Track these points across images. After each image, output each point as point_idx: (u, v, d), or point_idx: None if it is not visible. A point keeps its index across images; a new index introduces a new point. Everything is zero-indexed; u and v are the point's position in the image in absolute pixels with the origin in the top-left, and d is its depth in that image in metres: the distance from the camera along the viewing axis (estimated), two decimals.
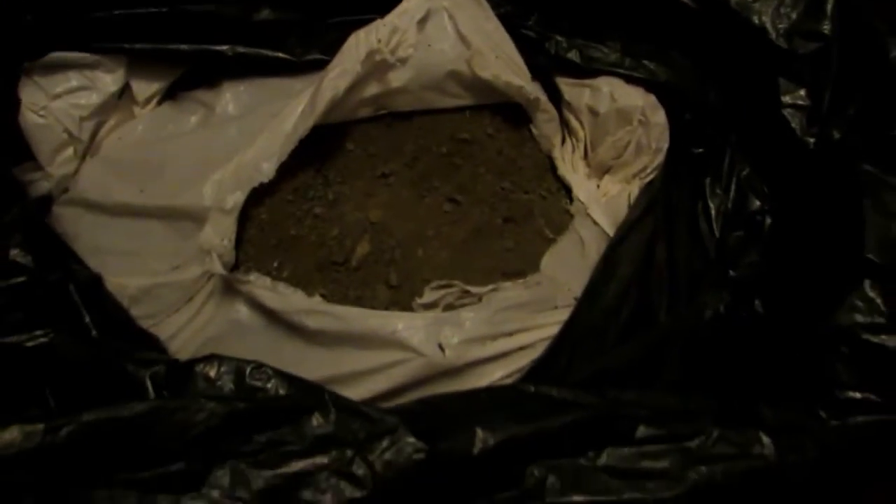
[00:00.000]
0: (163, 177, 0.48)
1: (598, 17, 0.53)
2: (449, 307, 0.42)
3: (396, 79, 0.46)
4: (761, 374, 0.43)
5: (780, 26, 0.49)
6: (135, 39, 0.49)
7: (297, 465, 0.33)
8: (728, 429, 0.35)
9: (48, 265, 0.43)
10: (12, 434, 0.29)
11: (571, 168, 0.52)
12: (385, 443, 0.33)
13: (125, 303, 0.46)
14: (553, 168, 0.52)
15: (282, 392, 0.38)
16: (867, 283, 0.39)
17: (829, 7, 0.47)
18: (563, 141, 0.54)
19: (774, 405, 0.38)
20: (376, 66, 0.45)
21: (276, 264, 0.45)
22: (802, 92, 0.48)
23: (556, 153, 0.52)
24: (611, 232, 0.48)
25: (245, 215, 0.46)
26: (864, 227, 0.41)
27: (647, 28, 0.53)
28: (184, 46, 0.49)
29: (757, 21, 0.49)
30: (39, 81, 0.48)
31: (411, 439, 0.33)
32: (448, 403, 0.37)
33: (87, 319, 0.42)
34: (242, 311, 0.44)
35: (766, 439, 0.35)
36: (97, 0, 0.47)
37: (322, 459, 0.33)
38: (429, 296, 0.42)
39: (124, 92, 0.51)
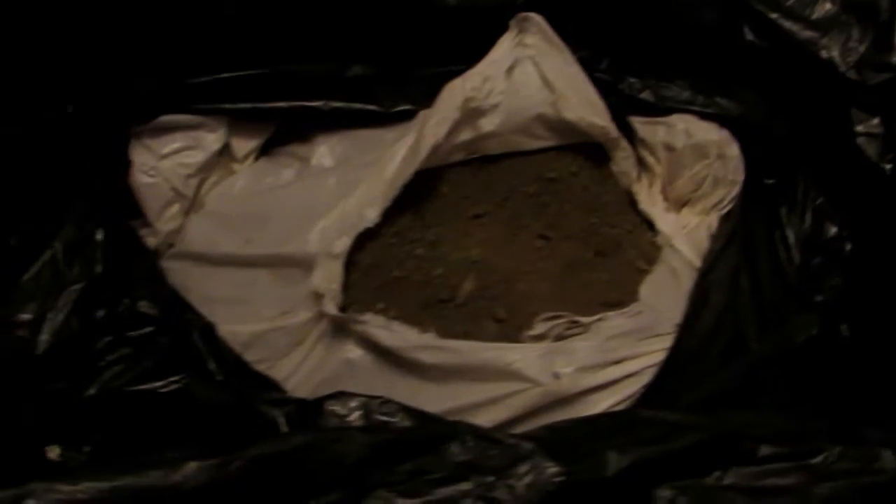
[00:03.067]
0: (267, 227, 0.50)
1: (667, 58, 0.55)
2: (559, 338, 0.44)
3: (488, 124, 0.49)
4: (856, 396, 0.44)
5: (849, 59, 0.51)
6: (235, 100, 0.52)
7: (442, 493, 0.34)
8: (848, 445, 0.36)
9: (170, 315, 0.46)
10: (189, 469, 0.31)
11: (651, 202, 0.54)
12: (524, 467, 0.34)
13: (238, 349, 0.48)
14: (633, 203, 0.54)
15: (408, 425, 0.39)
16: None
17: None
18: (639, 177, 0.56)
19: (876, 425, 0.39)
20: (470, 113, 0.48)
21: (381, 306, 0.47)
22: (876, 121, 0.50)
23: (636, 188, 0.54)
24: (696, 262, 0.50)
25: (348, 261, 0.48)
26: None
27: (715, 66, 0.55)
28: (281, 104, 0.52)
29: (826, 55, 0.51)
30: (148, 143, 0.51)
31: (550, 463, 0.34)
32: (572, 429, 0.38)
33: (212, 365, 0.44)
34: (354, 351, 0.46)
35: (886, 454, 0.36)
36: (202, 64, 0.50)
37: (465, 486, 0.34)
38: (539, 327, 0.43)
39: (225, 149, 0.54)
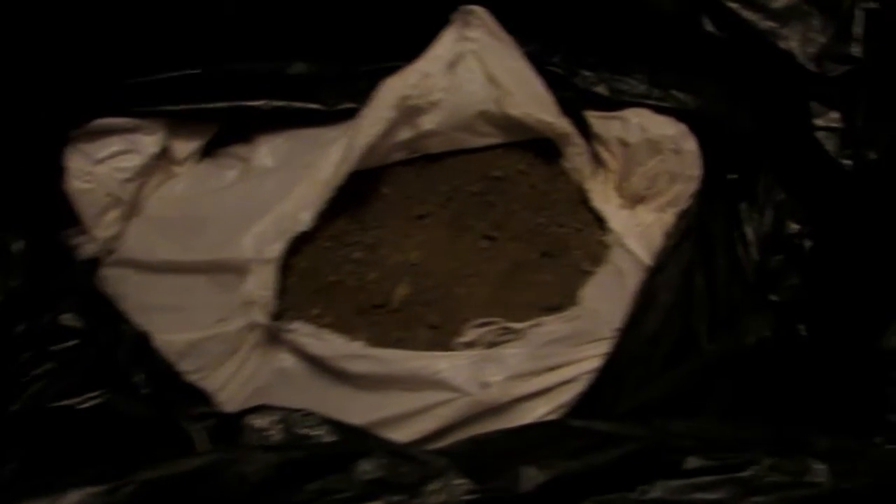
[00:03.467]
0: (204, 232, 0.49)
1: (623, 50, 0.54)
2: (491, 344, 0.42)
3: (428, 122, 0.47)
4: (809, 400, 0.43)
5: (809, 50, 0.49)
6: (173, 101, 0.50)
7: None
8: (780, 457, 0.35)
9: (98, 327, 0.45)
10: (73, 497, 0.30)
11: (605, 199, 0.52)
12: (436, 485, 0.33)
13: (173, 358, 0.47)
14: (586, 200, 0.52)
15: (330, 438, 0.38)
16: None
17: (858, 30, 0.47)
18: (594, 174, 0.54)
19: (826, 431, 0.37)
20: (408, 111, 0.46)
21: (317, 311, 0.46)
22: (835, 115, 0.48)
23: (589, 185, 0.52)
24: (648, 261, 0.48)
25: (285, 265, 0.47)
26: None
27: (673, 58, 0.53)
28: (221, 104, 0.51)
29: (784, 46, 0.49)
30: (83, 148, 0.50)
31: (461, 480, 0.33)
32: (495, 442, 0.37)
33: (136, 378, 0.43)
34: (287, 359, 0.45)
35: (819, 466, 0.34)
36: (137, 65, 0.49)
37: None
38: (470, 334, 0.42)
39: (164, 152, 0.52)
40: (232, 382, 0.46)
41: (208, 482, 0.32)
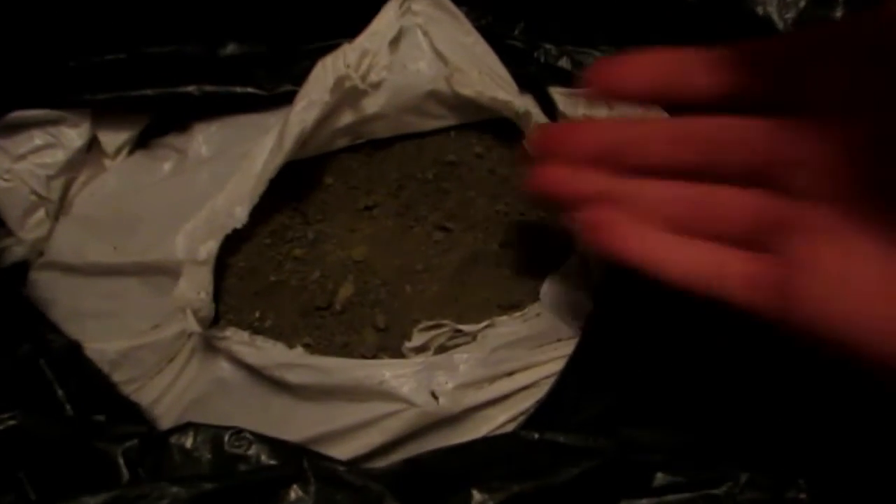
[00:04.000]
0: (136, 231, 0.45)
1: (588, 21, 0.49)
2: (441, 349, 0.39)
3: (371, 105, 0.43)
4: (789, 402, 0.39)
5: (788, 16, 0.45)
6: (96, 90, 0.46)
7: None
8: (758, 471, 0.31)
9: (18, 338, 0.41)
10: None
11: None
12: None
13: (106, 368, 0.43)
14: None
15: (264, 458, 0.35)
16: None
17: None
18: None
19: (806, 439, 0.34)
20: (347, 94, 0.42)
21: (257, 314, 0.42)
22: None
23: None
24: None
25: (222, 264, 0.43)
26: None
27: (641, 28, 0.49)
28: (148, 91, 0.46)
29: (761, 11, 0.45)
30: (1, 143, 0.46)
31: None
32: (441, 461, 0.33)
33: (61, 394, 0.40)
34: (226, 368, 0.41)
35: (801, 481, 0.31)
36: (51, 54, 0.45)
37: None
38: (417, 338, 0.38)
39: (92, 145, 0.48)
40: (168, 394, 0.42)
41: None
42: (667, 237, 0.30)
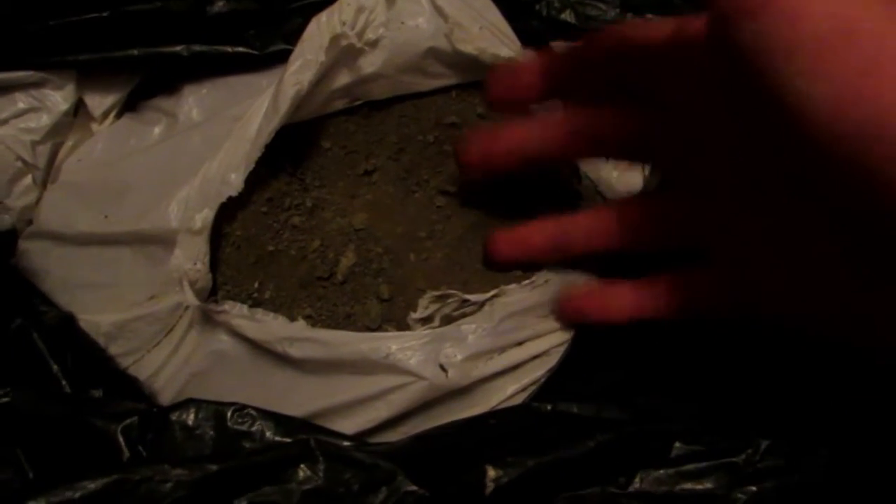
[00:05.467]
0: (126, 199, 0.43)
1: None
2: (447, 319, 0.37)
3: (369, 64, 0.41)
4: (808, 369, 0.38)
5: None
6: (80, 50, 0.44)
7: None
8: (778, 437, 0.31)
9: (8, 312, 0.40)
10: None
11: None
12: (382, 494, 0.29)
13: (101, 341, 0.42)
14: None
15: (269, 434, 0.34)
16: None
17: None
18: None
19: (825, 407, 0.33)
20: (343, 53, 0.40)
21: (256, 285, 0.41)
22: None
23: None
24: None
25: (218, 233, 0.41)
26: None
27: None
28: (134, 51, 0.44)
29: None
30: None
31: (411, 487, 0.29)
32: (452, 436, 0.32)
33: (56, 369, 0.39)
34: (225, 340, 0.40)
35: (821, 448, 0.30)
36: (30, 12, 0.42)
37: None
38: (423, 309, 0.37)
39: (79, 108, 0.46)
40: (166, 368, 0.41)
41: None
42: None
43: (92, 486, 0.27)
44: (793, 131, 0.22)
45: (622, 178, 0.45)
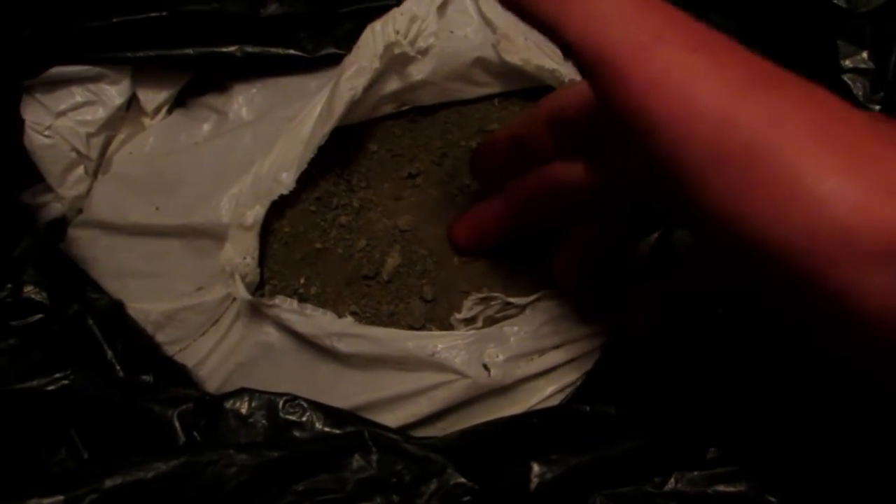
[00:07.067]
0: (178, 192, 0.45)
1: None
2: (490, 321, 0.39)
3: (418, 71, 0.43)
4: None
5: None
6: (137, 47, 0.46)
7: None
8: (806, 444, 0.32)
9: (65, 297, 0.41)
10: None
11: None
12: (433, 485, 0.31)
13: (149, 329, 0.44)
14: None
15: (318, 425, 0.35)
16: None
17: None
18: None
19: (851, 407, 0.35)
20: (395, 60, 0.42)
21: (302, 280, 0.42)
22: (864, 54, 0.44)
23: None
24: None
25: (267, 229, 0.43)
26: None
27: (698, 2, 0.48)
28: (189, 50, 0.46)
29: None
30: (42, 99, 0.46)
31: (461, 480, 0.30)
32: (498, 433, 0.34)
33: (110, 355, 0.40)
34: (272, 333, 0.41)
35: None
36: (93, 9, 0.44)
37: None
38: (468, 310, 0.39)
39: (132, 103, 0.48)
40: (213, 356, 0.43)
41: (179, 488, 0.29)
42: None
43: (163, 467, 0.29)
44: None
45: None
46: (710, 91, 0.23)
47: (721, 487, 0.32)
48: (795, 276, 0.22)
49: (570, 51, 0.27)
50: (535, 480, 0.31)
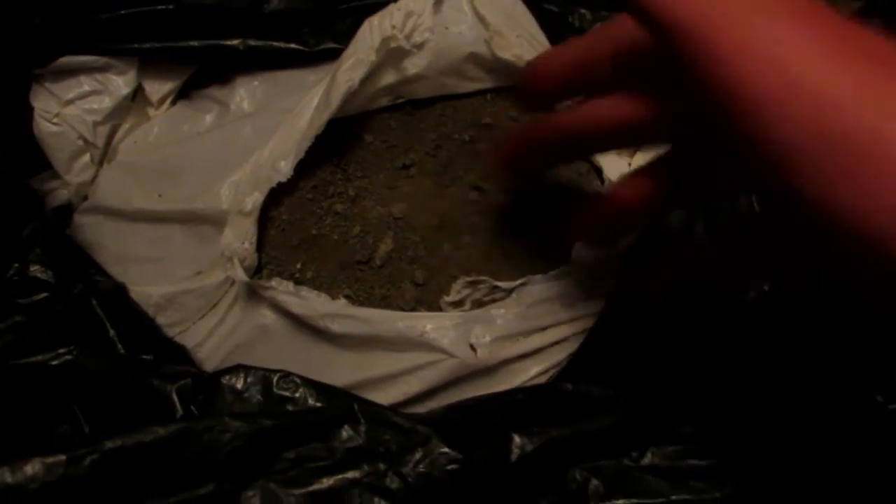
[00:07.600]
0: (180, 180, 0.47)
1: None
2: (477, 304, 0.40)
3: (413, 65, 0.44)
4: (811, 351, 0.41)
5: None
6: (144, 39, 0.47)
7: (329, 482, 0.32)
8: (781, 420, 0.34)
9: (70, 278, 0.43)
10: (33, 468, 0.28)
11: None
12: (418, 454, 0.32)
13: (150, 311, 0.45)
14: None
15: (311, 401, 0.37)
16: None
17: None
18: None
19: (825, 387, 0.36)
20: (392, 54, 0.43)
21: (299, 265, 0.44)
22: None
23: None
24: None
25: (265, 216, 0.44)
26: None
27: None
28: (194, 43, 0.48)
29: None
30: (51, 88, 0.48)
31: (445, 449, 0.32)
32: (482, 408, 0.35)
33: (112, 333, 0.42)
34: (268, 315, 0.43)
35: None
36: (102, 1, 0.46)
37: (354, 474, 0.32)
38: (456, 293, 0.40)
39: (137, 94, 0.50)
40: (211, 338, 0.44)
41: (176, 452, 0.31)
42: None
43: (161, 431, 0.30)
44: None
45: None
46: (807, 63, 0.21)
47: (694, 461, 0.33)
48: (890, 262, 0.21)
49: (644, 15, 0.25)
50: (515, 451, 0.32)
